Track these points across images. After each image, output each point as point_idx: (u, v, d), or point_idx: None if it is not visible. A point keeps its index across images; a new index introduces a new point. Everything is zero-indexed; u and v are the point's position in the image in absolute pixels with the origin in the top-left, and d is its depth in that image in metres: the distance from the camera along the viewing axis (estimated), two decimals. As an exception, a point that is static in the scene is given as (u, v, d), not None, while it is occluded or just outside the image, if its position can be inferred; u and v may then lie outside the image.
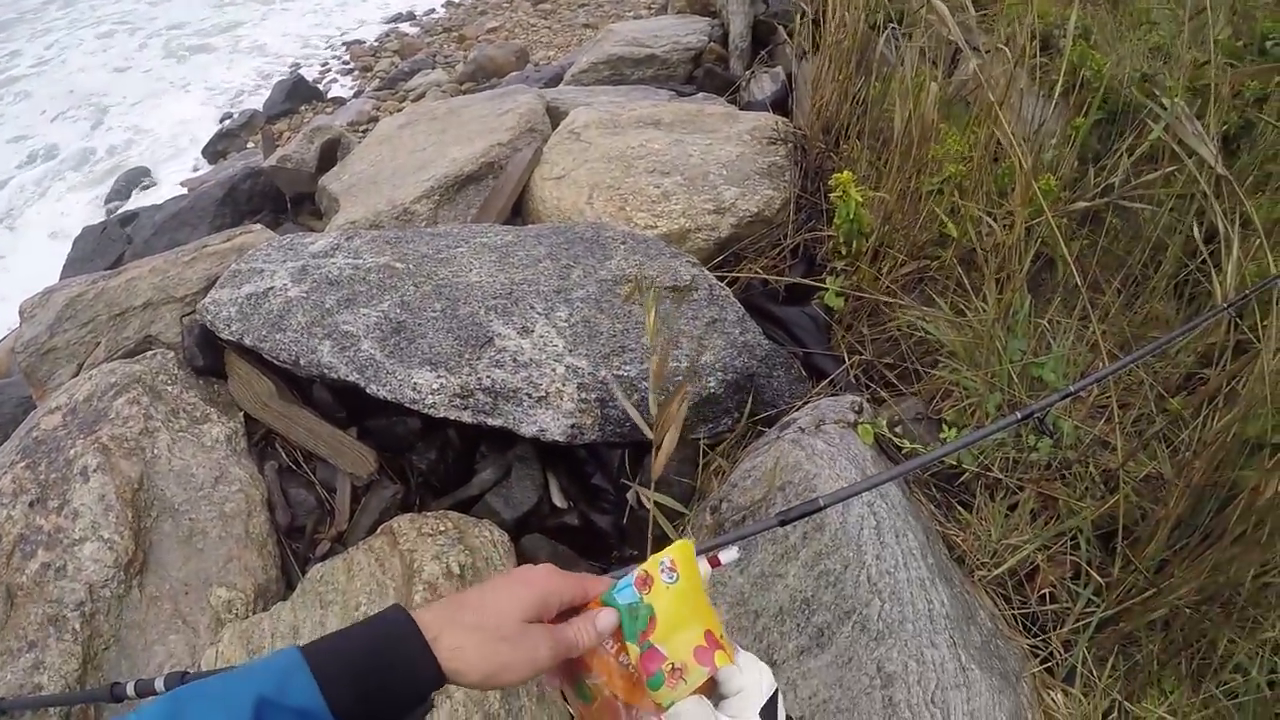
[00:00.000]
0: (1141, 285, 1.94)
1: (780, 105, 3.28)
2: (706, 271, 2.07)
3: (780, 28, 3.56)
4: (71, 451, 1.84)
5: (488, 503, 1.81)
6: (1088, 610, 1.52)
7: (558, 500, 1.84)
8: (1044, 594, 1.58)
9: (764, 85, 3.43)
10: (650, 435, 1.67)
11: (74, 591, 1.64)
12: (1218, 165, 1.75)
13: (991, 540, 1.63)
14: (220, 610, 1.72)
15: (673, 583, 0.64)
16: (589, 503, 1.85)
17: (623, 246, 2.05)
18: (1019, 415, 1.09)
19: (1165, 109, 1.79)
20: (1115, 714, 1.43)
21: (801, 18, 2.90)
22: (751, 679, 0.62)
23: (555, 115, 3.21)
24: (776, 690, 0.63)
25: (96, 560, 1.68)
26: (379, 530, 1.73)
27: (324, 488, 1.94)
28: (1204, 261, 1.72)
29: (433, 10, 11.16)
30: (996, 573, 1.59)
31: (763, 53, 3.84)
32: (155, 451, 1.93)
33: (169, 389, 2.02)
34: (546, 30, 9.22)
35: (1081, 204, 1.99)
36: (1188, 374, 1.82)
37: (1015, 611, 1.57)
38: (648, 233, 2.25)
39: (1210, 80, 1.83)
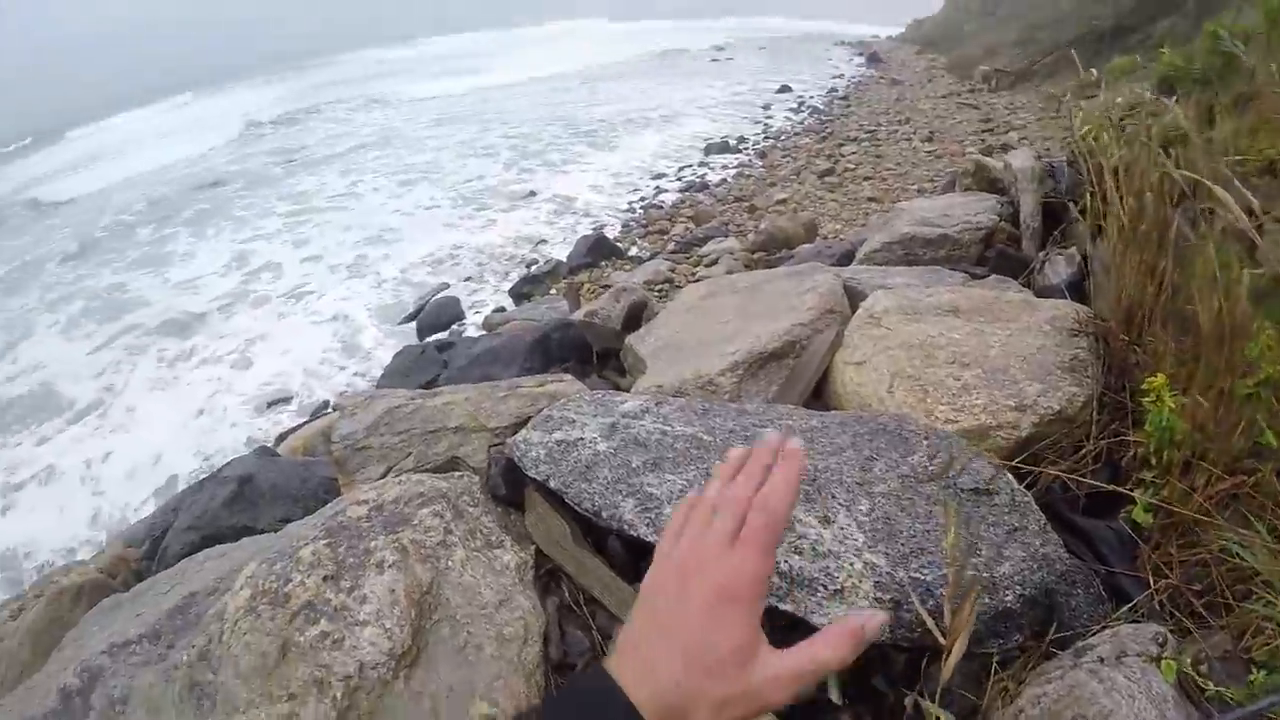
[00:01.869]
0: None
1: (1076, 288, 3.09)
2: (1009, 475, 1.99)
3: (1070, 205, 3.41)
4: (372, 544, 2.02)
5: (763, 685, 1.80)
6: None
7: (834, 696, 1.80)
8: None
9: (1059, 268, 3.27)
10: (943, 641, 1.61)
11: (345, 664, 1.73)
12: None
13: None
14: (478, 721, 1.79)
15: None
16: (866, 703, 1.80)
17: (925, 442, 2.02)
18: None
19: None
20: None
21: (1091, 196, 2.79)
22: None
23: (852, 295, 3.23)
24: None
25: (373, 644, 1.78)
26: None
27: (600, 634, 2.02)
28: None
29: (724, 181, 11.98)
30: None
31: (1055, 233, 3.66)
32: (449, 563, 2.09)
33: (470, 510, 2.20)
34: (833, 203, 9.47)
35: None
36: None
37: None
38: (948, 427, 2.21)
39: None
